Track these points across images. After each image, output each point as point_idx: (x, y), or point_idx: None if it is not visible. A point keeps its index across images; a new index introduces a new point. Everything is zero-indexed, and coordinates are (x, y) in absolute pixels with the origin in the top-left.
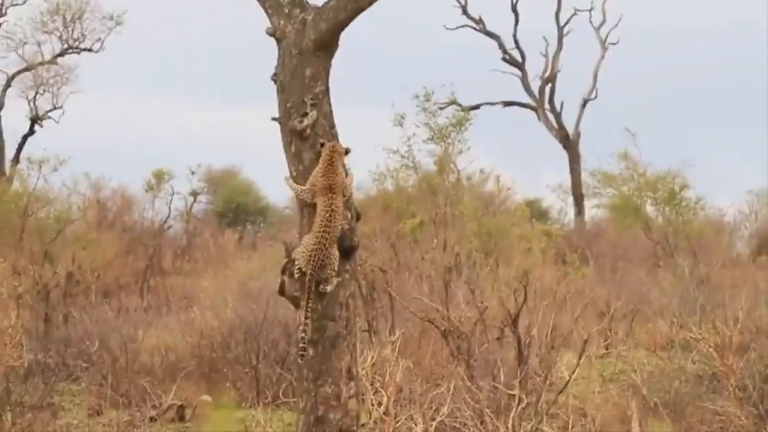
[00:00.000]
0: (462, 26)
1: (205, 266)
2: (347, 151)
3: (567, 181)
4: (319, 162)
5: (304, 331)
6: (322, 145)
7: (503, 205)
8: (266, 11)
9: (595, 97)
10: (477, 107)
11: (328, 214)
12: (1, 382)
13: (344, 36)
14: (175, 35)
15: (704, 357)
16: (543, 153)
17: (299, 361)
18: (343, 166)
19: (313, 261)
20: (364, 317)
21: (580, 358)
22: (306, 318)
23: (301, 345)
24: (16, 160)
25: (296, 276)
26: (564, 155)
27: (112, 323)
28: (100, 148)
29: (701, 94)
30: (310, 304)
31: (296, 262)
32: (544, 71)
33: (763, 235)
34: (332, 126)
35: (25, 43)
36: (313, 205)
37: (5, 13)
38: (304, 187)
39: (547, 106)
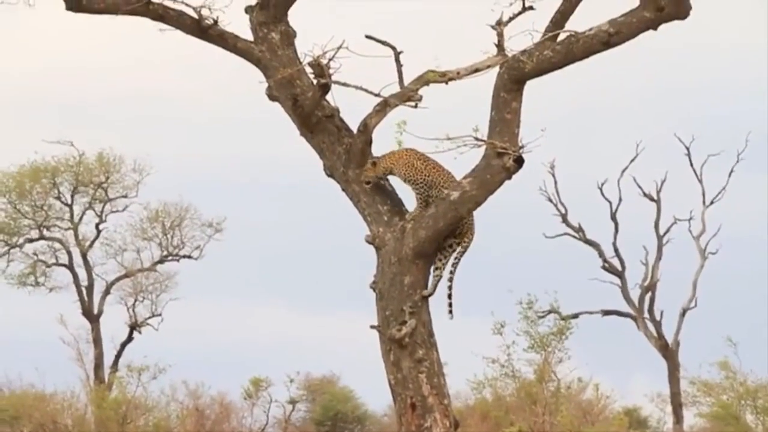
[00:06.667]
0: (561, 234)
1: None
2: None
3: (665, 389)
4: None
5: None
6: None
7: (601, 414)
8: (365, 219)
9: (695, 306)
10: (576, 316)
11: None
12: None
13: None
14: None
15: None
16: (641, 360)
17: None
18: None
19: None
20: None
21: None
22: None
23: None
24: (115, 367)
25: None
26: (662, 363)
27: None
28: (198, 355)
29: None
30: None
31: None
32: (644, 280)
33: None
34: (431, 334)
35: (125, 249)
36: None
37: (105, 220)
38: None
39: (646, 315)
